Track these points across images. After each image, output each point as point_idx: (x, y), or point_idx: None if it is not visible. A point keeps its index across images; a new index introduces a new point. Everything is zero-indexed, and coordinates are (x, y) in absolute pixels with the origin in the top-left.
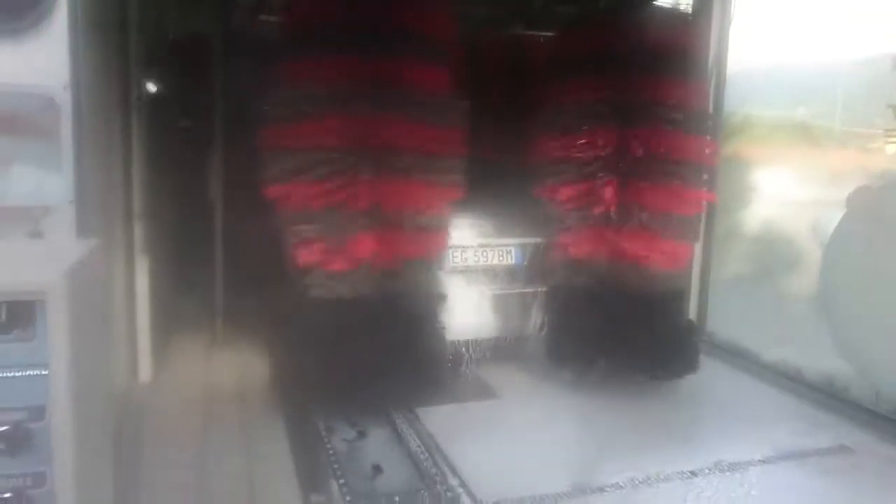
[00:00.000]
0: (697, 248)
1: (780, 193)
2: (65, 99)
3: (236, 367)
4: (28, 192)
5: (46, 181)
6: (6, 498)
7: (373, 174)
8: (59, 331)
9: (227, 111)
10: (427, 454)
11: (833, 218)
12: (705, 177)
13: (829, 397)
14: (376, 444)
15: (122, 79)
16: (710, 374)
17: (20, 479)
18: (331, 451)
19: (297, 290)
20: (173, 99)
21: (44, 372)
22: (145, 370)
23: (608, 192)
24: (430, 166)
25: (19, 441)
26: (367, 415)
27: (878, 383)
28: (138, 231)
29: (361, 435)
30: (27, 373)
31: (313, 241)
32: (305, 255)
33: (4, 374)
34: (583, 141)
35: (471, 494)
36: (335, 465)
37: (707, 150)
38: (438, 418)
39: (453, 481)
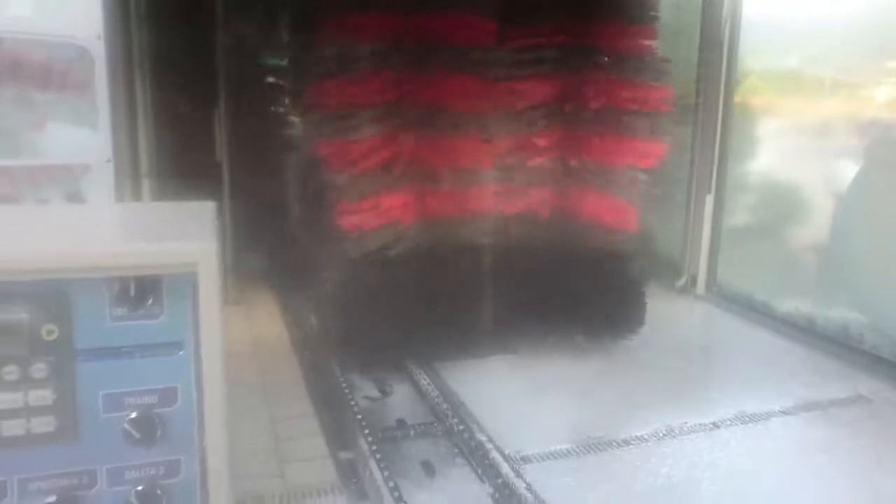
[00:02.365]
0: (709, 199)
1: (790, 144)
2: (99, 49)
3: (248, 326)
4: (65, 150)
5: (83, 138)
6: (139, 491)
7: (414, 131)
8: (211, 305)
9: (233, 68)
10: (451, 410)
11: (847, 168)
12: (656, 127)
13: (843, 347)
14: (401, 401)
15: (125, 41)
16: (722, 327)
17: (152, 468)
18: (355, 409)
19: (315, 249)
20: (177, 55)
21: (180, 352)
22: None
23: (553, 144)
24: (473, 122)
25: (153, 428)
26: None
27: (894, 332)
28: (147, 191)
29: (385, 392)
30: (156, 354)
31: (355, 198)
32: (346, 213)
33: (133, 358)
34: (525, 89)
35: (498, 449)
36: (362, 422)
37: (659, 99)
38: (457, 373)
39: (481, 437)
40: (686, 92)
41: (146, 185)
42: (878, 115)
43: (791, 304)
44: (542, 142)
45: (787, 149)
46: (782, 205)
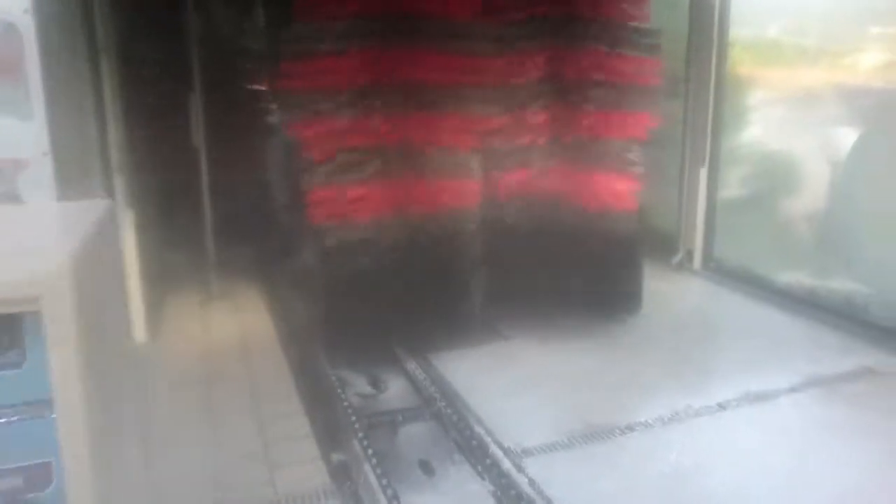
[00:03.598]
0: (703, 172)
1: (780, 113)
2: (27, 25)
3: (236, 320)
4: None
5: (14, 129)
6: None
7: (398, 112)
8: (67, 353)
9: (207, 50)
10: (447, 403)
11: (844, 135)
12: (647, 100)
13: (847, 319)
14: (394, 396)
15: (87, 19)
16: (721, 303)
17: None
18: (347, 406)
19: (301, 238)
20: (146, 39)
21: (52, 414)
22: (139, 330)
23: (540, 121)
24: (457, 101)
25: None
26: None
27: None
28: (120, 184)
29: (378, 388)
30: (19, 417)
31: (333, 186)
32: (325, 202)
33: None
34: (513, 64)
35: (498, 443)
36: (354, 422)
37: (649, 71)
38: (451, 363)
39: (479, 430)
40: (676, 63)
41: (118, 179)
42: (872, 82)
43: (791, 277)
44: (531, 119)
45: (779, 119)
46: (777, 176)
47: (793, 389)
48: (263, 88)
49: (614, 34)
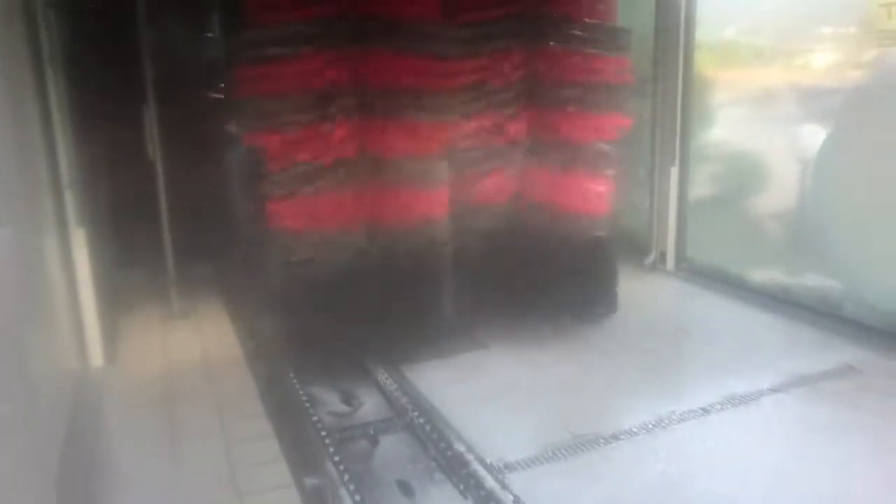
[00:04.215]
0: (673, 172)
1: (751, 112)
2: None
3: (199, 339)
4: None
5: None
6: None
7: (361, 118)
8: None
9: (160, 58)
10: (425, 418)
11: (812, 133)
12: (618, 99)
13: (823, 316)
14: (368, 412)
15: (31, 32)
16: (696, 303)
17: None
18: (319, 425)
19: (264, 251)
20: (96, 48)
21: None
22: (96, 354)
23: (509, 124)
24: (425, 105)
25: None
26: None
27: (873, 297)
28: (70, 201)
29: (350, 404)
30: None
31: (295, 196)
32: (286, 213)
33: None
34: (477, 67)
35: (480, 459)
36: (327, 441)
37: (620, 70)
38: (426, 375)
39: (459, 445)
40: (642, 63)
41: (68, 195)
42: (840, 81)
43: (765, 275)
44: (499, 123)
45: (748, 118)
46: (747, 174)
47: (775, 390)
48: (221, 97)
49: (582, 33)
